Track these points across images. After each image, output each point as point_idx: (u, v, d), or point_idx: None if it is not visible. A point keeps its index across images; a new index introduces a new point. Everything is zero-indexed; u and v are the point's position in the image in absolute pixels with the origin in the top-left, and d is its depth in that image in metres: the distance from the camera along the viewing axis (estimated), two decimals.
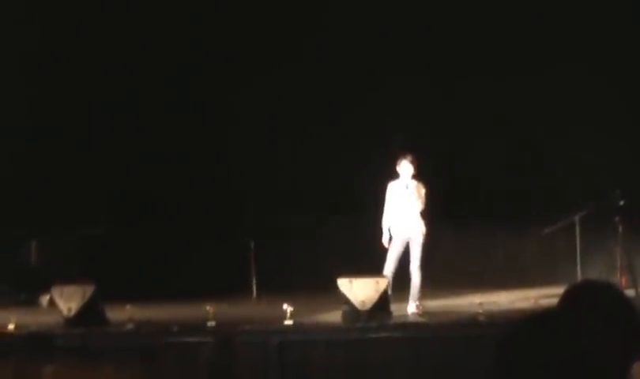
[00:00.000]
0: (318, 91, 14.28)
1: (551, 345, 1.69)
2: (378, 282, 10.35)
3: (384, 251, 10.97)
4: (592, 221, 11.56)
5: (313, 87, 14.28)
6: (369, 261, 11.19)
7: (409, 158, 10.93)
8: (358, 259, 11.57)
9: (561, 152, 13.66)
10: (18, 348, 5.27)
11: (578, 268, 11.38)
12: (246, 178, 14.27)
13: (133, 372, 4.91)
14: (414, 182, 10.94)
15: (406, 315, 10.79)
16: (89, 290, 10.74)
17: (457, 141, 14.15)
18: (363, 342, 9.87)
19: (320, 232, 14.31)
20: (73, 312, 10.62)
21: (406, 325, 10.36)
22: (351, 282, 10.30)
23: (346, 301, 10.29)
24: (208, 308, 10.41)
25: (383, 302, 10.26)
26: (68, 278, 11.73)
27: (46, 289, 11.85)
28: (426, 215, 10.96)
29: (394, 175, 11.07)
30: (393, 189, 11.05)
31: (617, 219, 11.52)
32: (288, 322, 10.20)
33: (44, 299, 12.73)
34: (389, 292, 10.48)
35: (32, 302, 13.21)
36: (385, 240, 10.96)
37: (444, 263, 13.25)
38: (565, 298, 2.45)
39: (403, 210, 10.92)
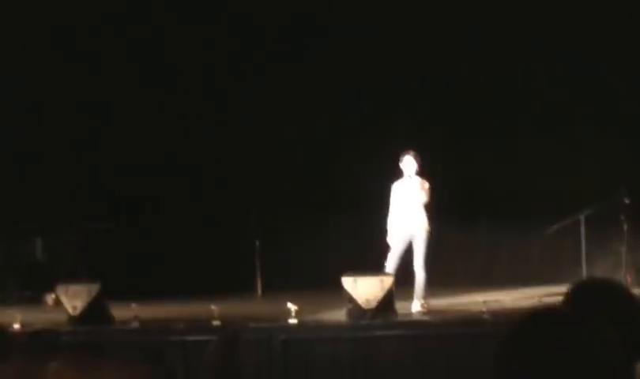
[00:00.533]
0: (324, 91, 14.27)
1: (556, 344, 1.68)
2: (382, 280, 10.33)
3: (389, 250, 10.97)
4: (598, 219, 11.54)
5: (318, 87, 14.27)
6: (373, 260, 11.18)
7: (412, 154, 10.94)
8: (362, 257, 11.57)
9: (566, 151, 13.63)
10: (23, 346, 5.27)
11: (583, 266, 11.36)
12: (252, 177, 14.27)
13: (138, 370, 4.91)
14: (417, 178, 10.95)
15: (411, 313, 10.79)
16: (94, 288, 10.74)
17: (463, 141, 14.13)
18: (367, 340, 9.86)
19: (324, 231, 14.31)
20: (78, 310, 10.63)
21: (411, 323, 10.35)
22: (355, 280, 10.28)
23: (350, 299, 10.28)
24: (213, 307, 10.43)
25: (388, 300, 10.23)
26: (73, 276, 11.76)
27: (51, 287, 11.85)
28: (430, 213, 10.95)
29: (398, 175, 11.07)
30: (396, 188, 11.06)
31: (622, 217, 11.52)
32: (293, 320, 10.20)
33: (49, 298, 12.73)
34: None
35: (37, 300, 13.22)
36: (390, 239, 10.97)
37: (449, 261, 13.25)
38: (570, 296, 2.45)
39: (406, 207, 10.92)
